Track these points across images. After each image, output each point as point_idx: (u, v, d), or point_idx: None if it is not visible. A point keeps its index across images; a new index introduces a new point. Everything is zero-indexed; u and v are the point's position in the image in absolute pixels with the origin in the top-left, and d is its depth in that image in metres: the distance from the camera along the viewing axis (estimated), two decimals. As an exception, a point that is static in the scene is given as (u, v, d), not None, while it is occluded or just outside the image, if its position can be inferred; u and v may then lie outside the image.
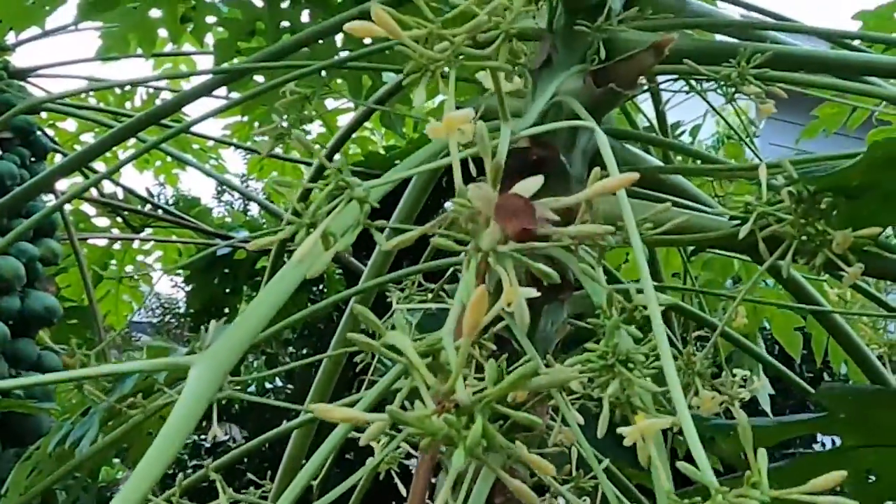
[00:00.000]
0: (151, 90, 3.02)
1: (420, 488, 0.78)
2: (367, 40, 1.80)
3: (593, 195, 0.44)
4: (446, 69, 0.53)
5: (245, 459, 3.61)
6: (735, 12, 1.30)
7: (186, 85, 3.12)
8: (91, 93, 3.06)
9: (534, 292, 0.40)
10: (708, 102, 1.16)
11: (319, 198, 0.47)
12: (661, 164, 1.19)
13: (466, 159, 0.70)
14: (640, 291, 0.70)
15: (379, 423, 0.37)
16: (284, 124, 1.16)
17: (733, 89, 0.94)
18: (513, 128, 0.55)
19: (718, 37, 1.32)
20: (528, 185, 0.38)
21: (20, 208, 2.27)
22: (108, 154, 2.94)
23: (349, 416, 0.37)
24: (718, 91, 1.03)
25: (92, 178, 2.27)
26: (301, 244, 0.45)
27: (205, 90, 1.52)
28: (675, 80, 1.19)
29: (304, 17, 1.97)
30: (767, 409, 2.10)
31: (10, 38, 2.58)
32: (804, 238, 0.75)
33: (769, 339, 2.72)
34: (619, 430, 0.45)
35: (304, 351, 3.87)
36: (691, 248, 1.36)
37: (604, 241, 0.65)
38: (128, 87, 3.01)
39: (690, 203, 1.02)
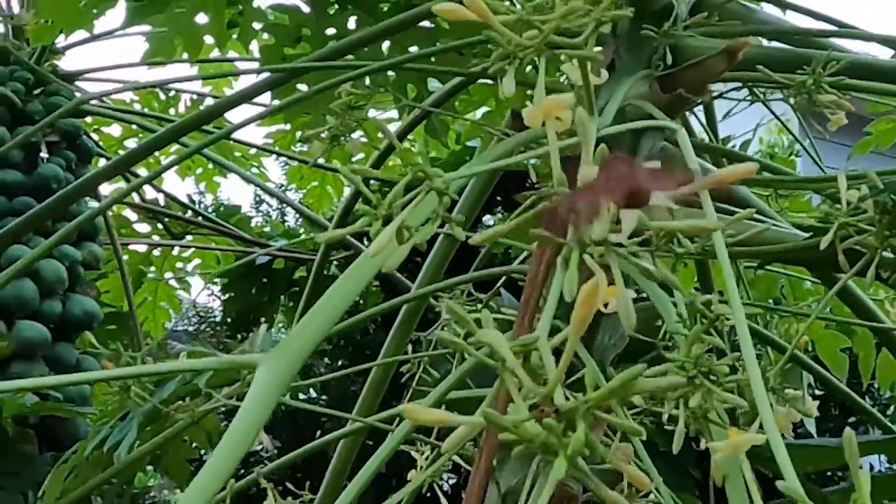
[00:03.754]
0: (195, 97, 3.02)
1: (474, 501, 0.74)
2: (414, 48, 1.78)
3: (718, 183, 0.41)
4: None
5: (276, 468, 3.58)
6: (802, 20, 1.27)
7: (230, 92, 3.12)
8: (136, 99, 3.07)
9: (633, 294, 0.37)
10: (772, 111, 1.13)
11: (396, 189, 0.44)
12: (750, 163, 1.16)
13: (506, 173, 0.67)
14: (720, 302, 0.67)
15: (467, 427, 0.34)
16: (330, 129, 1.14)
17: (805, 98, 0.91)
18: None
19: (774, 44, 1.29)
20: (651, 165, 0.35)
21: (64, 211, 2.26)
22: (150, 160, 2.94)
23: (443, 419, 0.34)
24: (784, 100, 1.00)
25: (134, 182, 2.27)
26: (377, 237, 0.42)
27: (249, 95, 1.51)
28: (738, 88, 1.16)
29: (351, 23, 1.95)
30: (813, 430, 2.05)
31: (60, 41, 2.59)
32: (887, 251, 0.71)
33: (812, 360, 2.67)
34: (710, 444, 0.42)
35: (340, 363, 3.85)
36: (752, 262, 1.33)
37: (681, 248, 0.62)
38: (172, 93, 3.01)
39: (758, 216, 0.99)
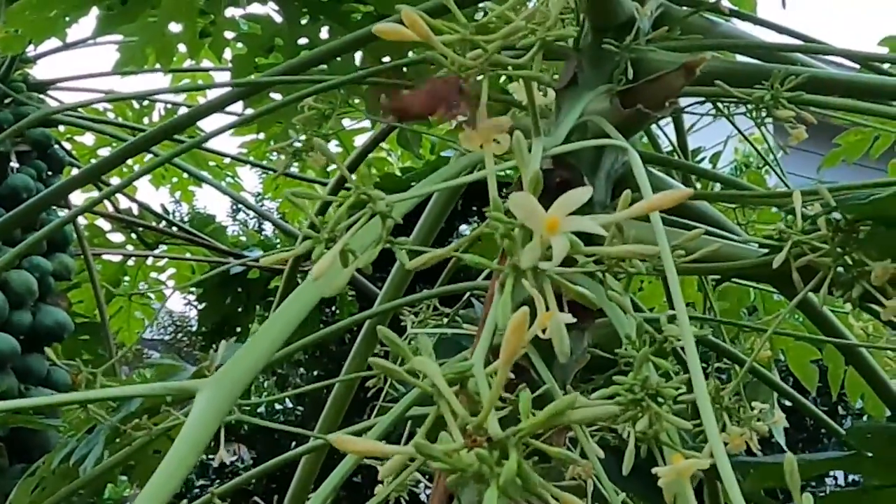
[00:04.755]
0: (170, 106, 3.01)
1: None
2: (386, 59, 1.78)
3: (649, 210, 0.41)
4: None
5: (252, 480, 3.58)
6: (764, 34, 1.27)
7: (203, 100, 3.10)
8: (109, 107, 3.05)
9: (570, 318, 0.37)
10: (735, 126, 1.13)
11: (339, 212, 0.44)
12: (686, 189, 1.16)
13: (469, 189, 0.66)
14: (670, 320, 0.67)
15: (401, 455, 0.34)
16: (299, 142, 1.14)
17: (764, 113, 0.91)
18: (544, 144, 0.52)
19: (740, 58, 1.29)
20: (575, 198, 0.35)
21: (34, 221, 2.24)
22: (124, 169, 2.92)
23: (371, 449, 0.34)
24: (747, 115, 1.00)
25: (105, 190, 2.25)
26: (318, 261, 0.42)
27: (220, 105, 1.50)
28: (701, 102, 1.16)
29: (324, 33, 1.95)
30: (782, 441, 2.06)
31: (31, 50, 2.57)
32: (840, 269, 0.72)
33: (783, 371, 2.68)
34: (655, 470, 0.42)
35: (315, 373, 3.84)
36: (715, 277, 1.33)
37: (633, 268, 0.62)
38: (146, 103, 2.99)
39: (716, 230, 0.99)
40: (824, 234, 0.71)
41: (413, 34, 0.43)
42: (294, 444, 3.54)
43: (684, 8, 1.10)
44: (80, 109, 2.89)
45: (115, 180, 3.01)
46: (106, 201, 3.02)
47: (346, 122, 2.55)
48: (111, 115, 3.05)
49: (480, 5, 1.23)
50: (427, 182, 0.54)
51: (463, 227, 4.04)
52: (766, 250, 0.83)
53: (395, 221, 0.44)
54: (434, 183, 0.55)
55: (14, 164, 2.45)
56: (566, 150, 0.59)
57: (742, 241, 0.94)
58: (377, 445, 0.34)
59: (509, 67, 0.46)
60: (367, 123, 2.55)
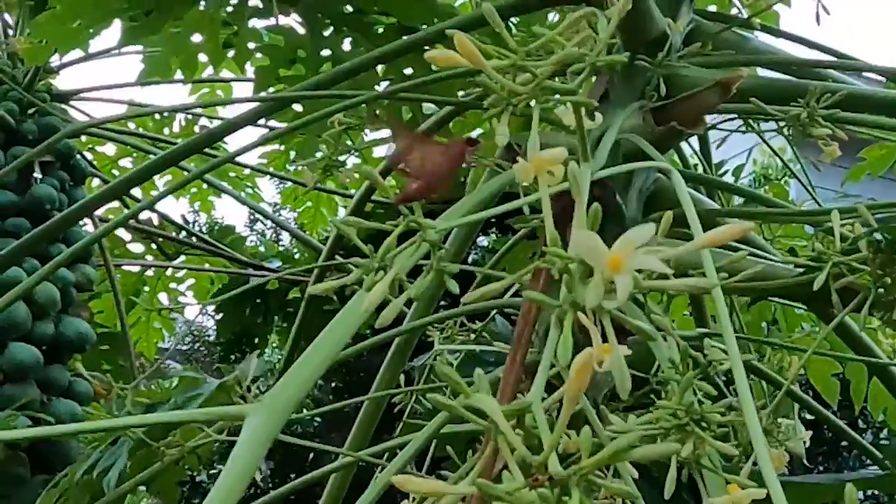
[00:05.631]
0: (190, 116, 3.01)
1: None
2: (409, 70, 1.78)
3: (711, 243, 0.40)
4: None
5: (270, 489, 3.57)
6: (791, 49, 1.26)
7: (223, 111, 3.11)
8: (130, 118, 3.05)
9: (627, 351, 0.37)
10: (766, 142, 1.13)
11: (389, 241, 0.44)
12: (717, 206, 1.16)
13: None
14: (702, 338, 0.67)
15: (460, 492, 0.34)
16: (324, 154, 1.14)
17: (800, 130, 0.91)
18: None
19: (763, 73, 1.29)
20: (640, 234, 0.35)
21: (59, 234, 2.25)
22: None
23: (436, 490, 0.34)
24: (779, 132, 1.00)
25: (133, 207, 2.25)
26: (370, 290, 0.42)
27: (249, 119, 1.50)
28: (732, 119, 1.16)
29: (346, 45, 1.95)
30: (802, 456, 2.04)
31: (55, 60, 2.58)
32: (881, 290, 0.71)
33: (802, 385, 2.67)
34: (711, 501, 0.41)
35: (333, 384, 3.84)
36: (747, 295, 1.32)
37: (674, 291, 0.62)
38: (166, 113, 3.00)
39: (748, 248, 0.99)
40: (864, 255, 0.70)
41: (464, 60, 0.43)
42: (312, 455, 3.54)
43: (716, 24, 1.10)
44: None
45: (136, 191, 3.01)
46: (125, 210, 3.03)
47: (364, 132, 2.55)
48: (131, 125, 3.06)
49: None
50: (468, 207, 0.53)
51: (480, 239, 4.03)
52: (800, 270, 0.82)
53: (445, 250, 0.43)
54: (475, 205, 0.54)
55: (37, 175, 2.46)
56: (608, 174, 0.58)
57: (775, 260, 0.93)
58: (440, 485, 0.34)
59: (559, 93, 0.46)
60: (386, 133, 2.55)
